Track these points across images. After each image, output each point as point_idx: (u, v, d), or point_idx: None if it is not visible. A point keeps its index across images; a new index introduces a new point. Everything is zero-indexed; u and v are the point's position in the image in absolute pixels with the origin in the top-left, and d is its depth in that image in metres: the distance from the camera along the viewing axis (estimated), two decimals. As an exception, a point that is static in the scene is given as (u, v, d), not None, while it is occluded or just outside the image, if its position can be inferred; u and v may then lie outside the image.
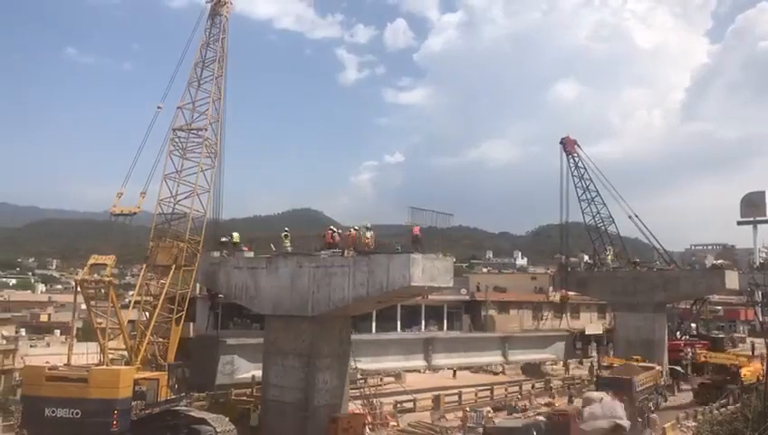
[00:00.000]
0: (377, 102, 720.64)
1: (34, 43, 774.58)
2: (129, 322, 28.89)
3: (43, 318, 66.07)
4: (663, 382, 43.06)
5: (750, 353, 56.23)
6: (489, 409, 35.96)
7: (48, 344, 41.69)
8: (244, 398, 32.17)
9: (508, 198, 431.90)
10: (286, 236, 30.13)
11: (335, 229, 29.92)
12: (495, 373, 51.99)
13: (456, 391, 38.99)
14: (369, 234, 27.91)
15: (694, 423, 33.31)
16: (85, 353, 25.61)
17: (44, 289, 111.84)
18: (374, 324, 48.37)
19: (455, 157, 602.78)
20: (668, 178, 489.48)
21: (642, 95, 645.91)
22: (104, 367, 24.43)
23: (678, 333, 59.08)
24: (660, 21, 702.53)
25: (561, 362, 54.88)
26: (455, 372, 49.42)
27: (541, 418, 31.53)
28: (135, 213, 28.14)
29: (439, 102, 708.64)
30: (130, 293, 44.31)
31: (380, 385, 38.74)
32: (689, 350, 48.62)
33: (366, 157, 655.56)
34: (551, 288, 60.68)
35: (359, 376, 35.14)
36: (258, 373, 31.46)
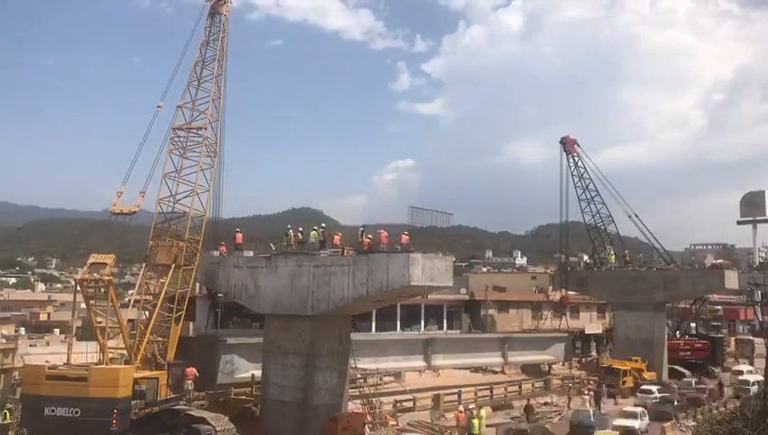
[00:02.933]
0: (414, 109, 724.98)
1: (110, 53, 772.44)
2: (129, 321, 28.88)
3: (43, 317, 65.98)
4: None
5: None
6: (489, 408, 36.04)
7: (48, 343, 41.54)
8: (244, 397, 32.21)
9: (516, 198, 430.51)
10: (286, 234, 30.26)
11: (322, 226, 30.67)
12: (495, 372, 52.01)
13: (455, 390, 38.97)
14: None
15: (693, 423, 33.32)
16: (85, 352, 25.59)
17: (44, 288, 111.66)
18: (374, 324, 48.36)
19: (492, 158, 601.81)
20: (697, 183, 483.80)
21: (682, 100, 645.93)
22: (104, 366, 24.44)
23: (678, 332, 59.13)
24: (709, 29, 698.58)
25: (562, 363, 54.85)
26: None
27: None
28: (134, 212, 28.14)
29: (475, 105, 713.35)
30: (130, 292, 44.37)
31: (380, 384, 38.71)
32: None
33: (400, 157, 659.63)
34: (550, 288, 60.64)
35: (358, 375, 35.12)
36: (258, 373, 31.45)
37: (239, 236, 32.26)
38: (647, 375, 46.33)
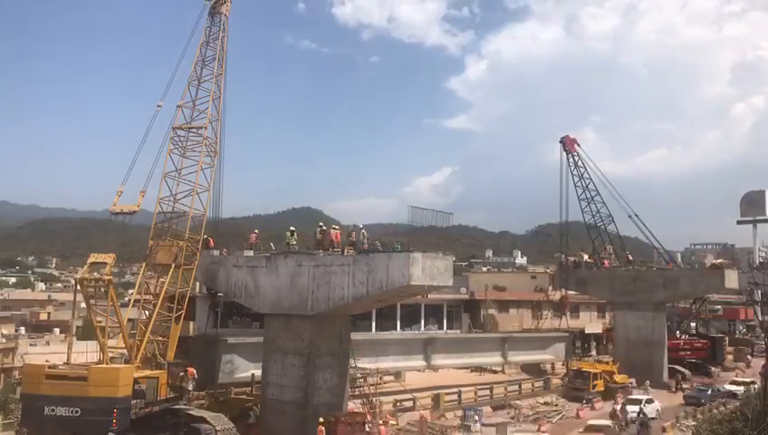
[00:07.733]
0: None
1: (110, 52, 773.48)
2: (129, 320, 28.89)
3: (43, 317, 66.15)
4: None
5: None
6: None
7: (48, 343, 41.70)
8: (244, 396, 32.20)
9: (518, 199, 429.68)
10: (292, 233, 30.36)
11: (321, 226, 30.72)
12: (495, 372, 52.01)
13: (455, 390, 39.00)
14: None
15: (693, 422, 33.32)
16: (85, 352, 25.57)
17: (44, 287, 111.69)
18: (374, 323, 48.36)
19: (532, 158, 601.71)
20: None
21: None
22: (104, 366, 24.42)
23: (678, 332, 59.15)
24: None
25: (562, 363, 54.83)
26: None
27: None
28: (134, 211, 28.11)
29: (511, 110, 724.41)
30: (130, 291, 44.38)
31: (380, 384, 38.73)
32: None
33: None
34: (550, 287, 60.64)
35: (358, 375, 35.15)
36: (258, 372, 31.45)
37: (253, 236, 32.77)
38: (618, 378, 44.42)
